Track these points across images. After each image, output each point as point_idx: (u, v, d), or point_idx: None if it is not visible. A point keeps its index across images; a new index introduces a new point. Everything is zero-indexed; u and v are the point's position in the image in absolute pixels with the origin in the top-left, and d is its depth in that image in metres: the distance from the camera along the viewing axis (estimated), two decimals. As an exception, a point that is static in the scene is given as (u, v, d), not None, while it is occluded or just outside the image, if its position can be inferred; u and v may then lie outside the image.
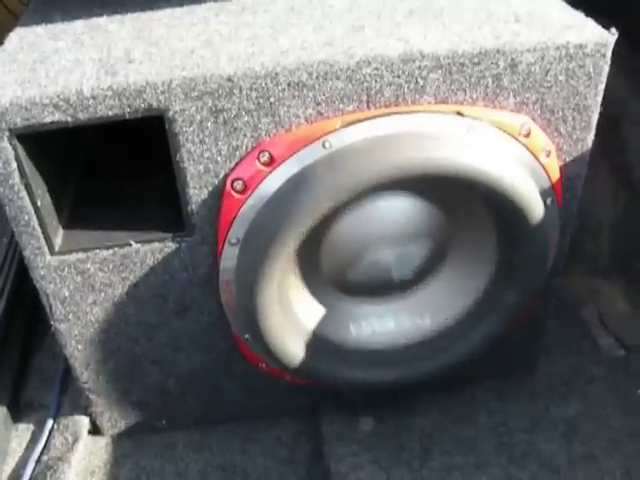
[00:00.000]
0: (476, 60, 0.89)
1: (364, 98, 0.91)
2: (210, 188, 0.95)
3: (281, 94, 0.88)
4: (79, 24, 1.04)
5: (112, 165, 1.21)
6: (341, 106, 0.91)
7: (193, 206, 0.96)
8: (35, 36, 1.02)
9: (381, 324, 1.12)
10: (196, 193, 0.95)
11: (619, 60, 0.95)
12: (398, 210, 0.99)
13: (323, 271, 1.04)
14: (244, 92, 0.88)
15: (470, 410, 1.24)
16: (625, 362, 1.32)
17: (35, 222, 0.95)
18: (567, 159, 1.01)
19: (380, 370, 1.11)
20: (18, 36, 1.02)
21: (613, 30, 0.91)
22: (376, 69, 0.88)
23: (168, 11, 1.06)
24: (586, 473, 1.12)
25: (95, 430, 1.23)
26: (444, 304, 1.10)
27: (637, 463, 1.12)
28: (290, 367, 1.06)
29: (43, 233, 0.96)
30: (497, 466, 1.14)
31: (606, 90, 0.95)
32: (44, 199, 0.96)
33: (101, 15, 1.06)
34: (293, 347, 1.04)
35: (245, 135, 0.91)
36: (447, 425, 1.21)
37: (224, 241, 0.97)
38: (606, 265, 1.47)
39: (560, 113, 0.96)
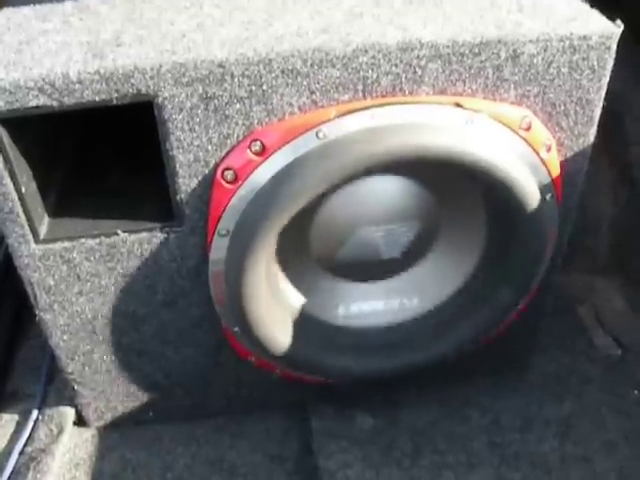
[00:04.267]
0: (477, 50, 0.87)
1: (360, 87, 0.88)
2: (200, 177, 0.92)
3: (274, 81, 0.86)
4: (68, 5, 1.01)
5: (101, 153, 1.18)
6: (336, 95, 0.88)
7: (182, 196, 0.93)
8: (22, 17, 0.99)
9: (370, 306, 1.11)
10: (185, 182, 0.92)
11: (624, 54, 0.92)
12: (391, 193, 0.98)
13: (313, 253, 1.03)
14: (236, 79, 0.85)
15: (462, 408, 1.23)
16: (621, 362, 1.31)
17: (19, 209, 0.92)
18: (568, 154, 0.98)
19: (368, 358, 1.10)
20: (4, 17, 0.99)
21: (619, 22, 0.89)
22: (373, 57, 0.86)
23: None
24: (579, 475, 1.10)
25: (80, 421, 1.21)
26: (433, 288, 1.09)
27: (632, 466, 1.10)
28: (279, 358, 1.05)
29: (28, 221, 0.94)
30: (489, 465, 1.12)
31: (609, 84, 0.93)
32: (29, 186, 0.94)
33: None
34: (282, 337, 1.03)
35: (236, 123, 0.88)
36: (439, 423, 1.20)
37: (214, 232, 0.95)
38: (604, 263, 1.46)
39: (562, 107, 0.93)
